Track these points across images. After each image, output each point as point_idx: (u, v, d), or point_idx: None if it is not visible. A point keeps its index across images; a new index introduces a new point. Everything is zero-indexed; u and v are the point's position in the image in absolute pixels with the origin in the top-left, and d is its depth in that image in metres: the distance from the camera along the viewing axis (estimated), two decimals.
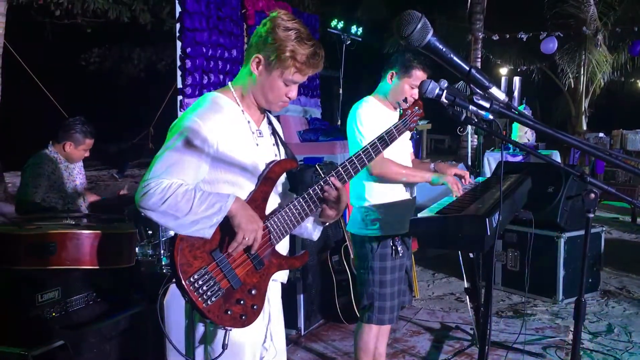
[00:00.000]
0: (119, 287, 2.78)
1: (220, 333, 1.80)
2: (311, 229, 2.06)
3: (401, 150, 3.09)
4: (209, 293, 1.74)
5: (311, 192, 1.90)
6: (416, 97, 3.00)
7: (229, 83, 1.93)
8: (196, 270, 1.72)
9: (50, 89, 10.24)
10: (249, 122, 1.89)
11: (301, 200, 1.89)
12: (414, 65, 2.93)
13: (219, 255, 1.77)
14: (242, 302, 1.81)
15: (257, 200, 1.84)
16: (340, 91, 9.66)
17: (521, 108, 7.17)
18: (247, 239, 1.77)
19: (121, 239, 2.70)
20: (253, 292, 1.84)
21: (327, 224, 2.06)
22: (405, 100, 2.24)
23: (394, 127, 2.09)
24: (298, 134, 8.52)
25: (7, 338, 2.29)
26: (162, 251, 3.62)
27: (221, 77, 8.02)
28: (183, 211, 1.68)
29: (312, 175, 4.47)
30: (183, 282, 1.70)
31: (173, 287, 1.78)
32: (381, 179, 2.93)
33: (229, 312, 1.77)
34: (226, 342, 1.77)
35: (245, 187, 1.84)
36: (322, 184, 1.91)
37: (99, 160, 12.94)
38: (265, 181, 1.86)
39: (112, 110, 14.74)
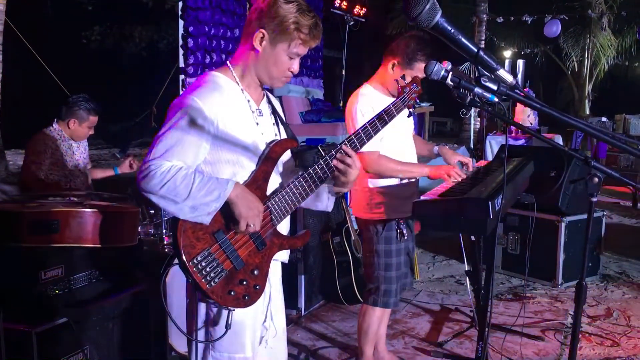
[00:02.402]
0: (121, 265, 2.80)
1: (224, 313, 1.82)
2: (325, 201, 2.07)
3: (402, 130, 3.07)
4: (212, 274, 1.75)
5: (311, 172, 1.89)
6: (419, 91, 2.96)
7: (228, 62, 1.91)
8: (199, 251, 1.73)
9: (52, 66, 10.19)
10: (248, 101, 1.88)
11: (302, 180, 1.89)
12: (417, 58, 2.86)
13: (221, 236, 1.78)
14: (244, 282, 1.83)
15: (258, 181, 1.85)
16: (343, 72, 9.61)
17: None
18: (250, 225, 1.78)
19: (124, 218, 2.71)
20: (255, 272, 1.86)
21: (340, 194, 2.08)
22: (404, 77, 2.20)
23: (392, 105, 2.07)
24: (300, 115, 8.49)
25: (11, 315, 2.30)
26: (164, 230, 3.63)
27: (223, 56, 7.97)
28: (182, 196, 1.68)
29: (314, 156, 4.45)
30: (187, 263, 1.71)
31: (175, 267, 1.79)
32: (378, 176, 2.91)
33: (232, 293, 1.79)
34: (229, 322, 1.79)
35: (247, 166, 1.84)
36: (322, 163, 1.89)
37: (100, 139, 12.94)
38: (267, 161, 1.86)
39: (114, 89, 14.66)
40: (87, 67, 15.11)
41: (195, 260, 1.72)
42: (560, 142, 7.97)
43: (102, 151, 12.61)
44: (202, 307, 1.88)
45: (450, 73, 1.79)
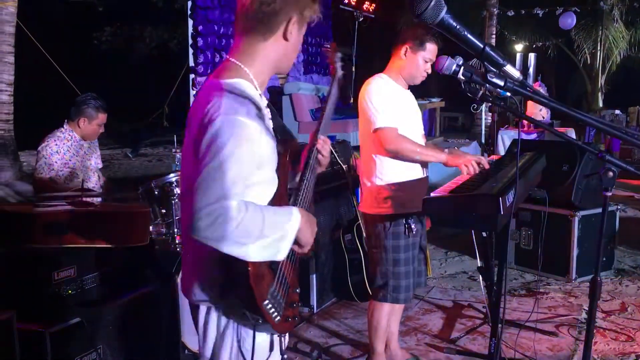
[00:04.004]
0: (133, 265, 2.81)
1: (265, 337, 1.74)
2: None
3: (414, 130, 3.07)
4: (277, 308, 1.66)
5: (312, 166, 1.83)
6: (429, 71, 2.98)
7: (238, 63, 1.68)
8: (267, 289, 1.62)
9: (63, 67, 10.27)
10: (266, 106, 1.73)
11: (309, 177, 1.82)
12: (427, 39, 2.92)
13: (276, 265, 1.68)
14: (294, 305, 1.77)
15: (281, 190, 1.72)
16: (353, 69, 9.58)
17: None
18: (305, 250, 1.73)
19: (135, 218, 2.72)
20: (297, 290, 1.80)
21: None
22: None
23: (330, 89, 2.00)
24: (310, 112, 8.49)
25: (24, 315, 2.32)
26: (175, 229, 3.64)
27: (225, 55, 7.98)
28: (253, 236, 1.52)
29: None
30: (262, 308, 1.60)
31: None
32: (394, 155, 2.92)
33: (289, 320, 1.72)
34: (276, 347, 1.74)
35: (272, 181, 1.68)
36: (315, 154, 1.83)
37: (112, 138, 13.02)
38: (284, 169, 1.74)
39: (125, 89, 14.77)
40: (98, 68, 15.23)
41: (266, 301, 1.61)
42: (573, 135, 7.89)
43: (114, 151, 12.69)
44: (229, 333, 1.71)
45: (462, 68, 1.79)
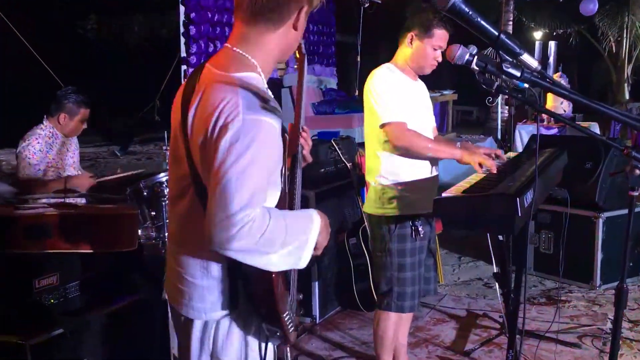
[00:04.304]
0: (120, 272, 2.82)
1: (271, 348, 1.74)
2: None
3: (424, 124, 3.06)
4: (292, 318, 1.67)
5: (299, 161, 1.83)
6: (439, 59, 2.97)
7: (245, 54, 1.64)
8: (286, 300, 1.63)
9: (46, 58, 10.28)
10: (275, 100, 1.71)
11: (298, 172, 1.81)
12: (434, 24, 2.89)
13: (289, 273, 1.70)
14: (300, 311, 1.81)
15: (283, 193, 1.72)
16: (358, 59, 9.57)
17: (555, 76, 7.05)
18: (319, 253, 1.72)
19: (122, 221, 2.72)
20: (301, 296, 1.82)
21: None
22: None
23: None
24: (312, 106, 8.49)
25: (3, 326, 2.33)
26: (166, 233, 3.64)
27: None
28: (276, 245, 1.51)
29: (327, 151, 4.46)
30: (282, 321, 1.60)
31: None
32: (404, 152, 2.91)
33: (297, 329, 1.75)
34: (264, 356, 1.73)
35: (279, 183, 1.67)
36: (300, 148, 1.82)
37: (98, 135, 13.03)
38: (284, 168, 1.73)
39: (112, 82, 14.79)
40: (83, 59, 15.24)
41: (286, 313, 1.62)
42: (597, 130, 7.86)
43: (101, 149, 12.70)
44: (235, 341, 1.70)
45: (476, 57, 1.78)
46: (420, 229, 2.96)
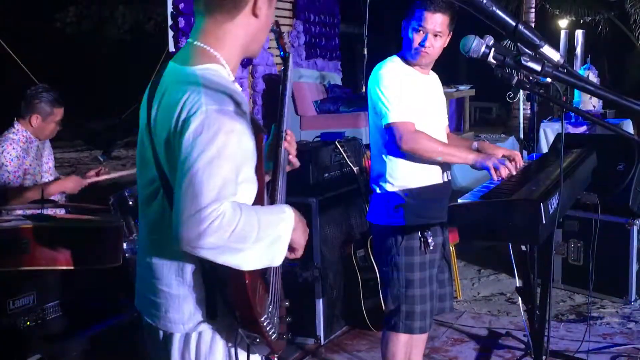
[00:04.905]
0: (103, 290, 2.82)
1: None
2: None
3: (434, 124, 3.06)
4: (274, 324, 1.71)
5: (283, 162, 1.88)
6: (426, 45, 2.89)
7: (206, 47, 1.71)
8: (264, 304, 1.67)
9: (20, 55, 10.32)
10: (242, 93, 1.77)
11: (280, 178, 1.87)
12: (417, 4, 2.86)
13: (268, 276, 1.73)
14: (288, 319, 1.84)
15: (261, 191, 1.75)
16: (365, 51, 9.59)
17: (582, 71, 7.04)
18: (297, 254, 1.78)
19: (106, 234, 2.73)
20: (287, 303, 1.86)
21: None
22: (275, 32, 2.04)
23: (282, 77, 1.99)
24: (314, 105, 8.50)
25: None
26: None
27: None
28: (250, 239, 1.55)
29: (332, 154, 4.46)
30: (261, 323, 1.63)
31: None
32: (412, 156, 2.91)
33: (283, 337, 1.78)
34: None
35: (255, 180, 1.71)
36: (284, 148, 1.89)
37: (79, 139, 13.08)
38: (260, 165, 1.75)
39: (94, 80, 14.84)
40: (62, 55, 15.30)
41: (264, 317, 1.65)
42: (631, 128, 7.84)
43: (82, 154, 12.75)
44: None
45: (493, 49, 1.78)
46: (429, 240, 2.95)
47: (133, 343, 2.86)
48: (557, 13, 14.22)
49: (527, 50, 1.30)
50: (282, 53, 1.96)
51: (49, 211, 3.34)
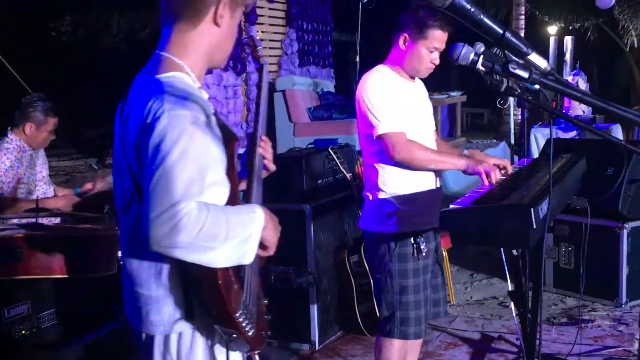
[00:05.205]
0: (98, 298, 2.81)
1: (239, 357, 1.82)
2: None
3: (424, 131, 3.07)
4: (250, 320, 1.74)
5: (257, 168, 1.91)
6: (437, 62, 2.97)
7: (170, 56, 1.75)
8: (238, 299, 1.70)
9: (15, 64, 10.27)
10: (207, 100, 1.83)
11: (255, 184, 1.90)
12: (429, 24, 2.88)
13: (243, 273, 1.76)
14: (264, 317, 1.86)
15: (235, 194, 1.80)
16: (357, 59, 9.58)
17: (570, 79, 7.05)
18: (270, 252, 1.82)
19: (100, 242, 2.72)
20: (265, 301, 1.89)
21: None
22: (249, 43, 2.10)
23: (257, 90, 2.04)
24: (308, 112, 8.51)
25: None
26: None
27: None
28: (219, 238, 1.59)
29: (325, 161, 4.46)
30: (236, 319, 1.66)
31: None
32: (405, 164, 2.92)
33: (262, 334, 1.81)
34: None
35: (226, 183, 1.75)
36: (258, 154, 1.93)
37: (75, 147, 13.04)
38: (233, 170, 1.80)
39: (89, 88, 14.80)
40: (57, 64, 15.26)
41: (239, 312, 1.68)
42: (620, 133, 7.88)
43: (77, 162, 12.70)
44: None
45: (482, 57, 1.78)
46: (422, 247, 2.95)
47: (128, 351, 2.85)
48: (547, 20, 14.28)
49: (514, 57, 1.30)
50: (256, 64, 2.02)
51: (44, 220, 3.32)
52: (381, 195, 2.97)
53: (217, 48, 1.82)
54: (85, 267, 2.58)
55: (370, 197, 3.02)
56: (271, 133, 8.55)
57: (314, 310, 4.16)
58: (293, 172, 4.24)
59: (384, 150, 2.91)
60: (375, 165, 2.98)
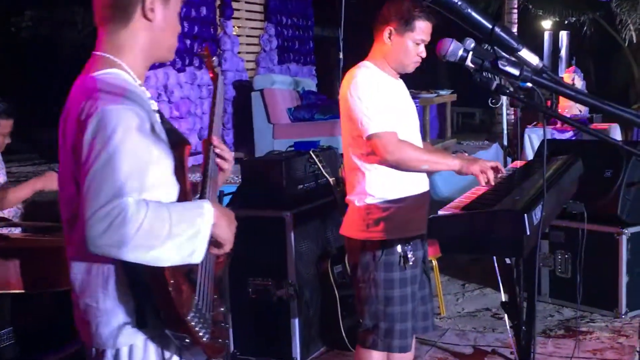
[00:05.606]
0: (60, 316, 2.77)
1: None
2: None
3: (412, 131, 3.08)
4: (204, 325, 1.74)
5: (211, 172, 1.93)
6: (423, 55, 2.99)
7: (107, 55, 1.79)
8: (190, 302, 1.70)
9: None
10: (149, 98, 1.85)
11: (209, 186, 1.91)
12: (415, 16, 2.91)
13: (194, 276, 1.76)
14: (222, 324, 1.86)
15: (186, 198, 1.82)
16: (341, 56, 9.59)
17: (566, 76, 7.10)
18: (225, 250, 1.81)
19: (61, 254, 2.68)
20: (222, 309, 1.90)
21: None
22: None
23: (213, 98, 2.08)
24: (288, 112, 8.50)
25: None
26: None
27: (188, 42, 8.01)
28: (161, 236, 1.60)
29: (306, 164, 4.46)
30: (187, 323, 1.67)
31: None
32: (396, 166, 2.92)
33: (219, 341, 1.81)
34: None
35: (174, 184, 1.78)
36: (214, 157, 1.94)
37: (36, 152, 12.93)
38: (183, 172, 1.82)
39: (52, 88, 14.68)
40: (17, 61, 15.14)
41: (191, 315, 1.68)
42: (618, 133, 7.93)
43: (39, 167, 12.58)
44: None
45: (471, 53, 1.79)
46: (409, 255, 2.96)
47: None
48: (541, 14, 14.39)
49: (505, 54, 1.31)
50: (210, 74, 2.06)
51: (3, 230, 3.29)
52: (368, 200, 2.97)
53: (156, 43, 1.85)
54: (46, 282, 2.55)
55: (357, 202, 3.02)
56: (249, 135, 8.53)
57: (296, 324, 4.14)
58: (272, 177, 4.23)
59: (373, 152, 2.91)
60: (361, 168, 2.98)
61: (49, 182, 3.73)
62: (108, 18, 1.81)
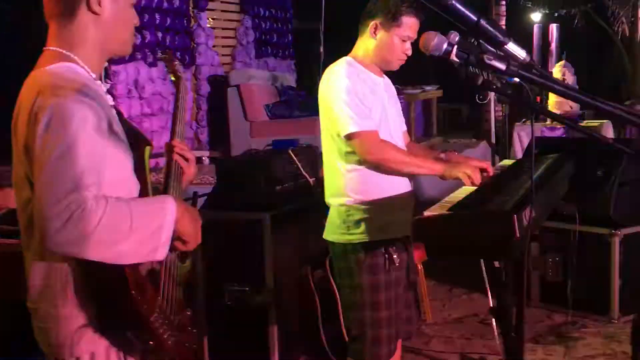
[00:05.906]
0: (21, 328, 2.74)
1: None
2: None
3: (395, 131, 3.08)
4: (169, 327, 1.76)
5: (174, 172, 1.99)
6: (409, 52, 3.01)
7: (59, 50, 1.82)
8: (153, 302, 1.72)
9: None
10: (105, 93, 1.87)
11: (176, 184, 1.97)
12: (402, 11, 2.92)
13: (156, 277, 1.79)
14: (189, 329, 1.89)
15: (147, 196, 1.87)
16: (322, 49, 9.59)
17: (557, 71, 7.14)
18: (190, 247, 1.84)
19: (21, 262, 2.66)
20: (188, 312, 1.93)
21: None
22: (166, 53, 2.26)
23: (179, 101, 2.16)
24: (265, 109, 8.48)
25: None
26: None
27: (160, 34, 7.97)
28: (123, 232, 1.61)
29: (284, 164, 4.45)
30: (152, 324, 1.68)
31: None
32: (376, 167, 2.92)
33: (186, 345, 1.83)
34: None
35: (135, 183, 1.83)
36: (176, 158, 2.02)
37: (5, 155, 12.80)
38: (143, 171, 1.85)
39: (18, 81, 14.53)
40: None
41: (155, 315, 1.70)
42: (611, 130, 7.99)
43: (3, 168, 12.48)
44: None
45: (455, 47, 1.80)
46: (395, 257, 2.96)
47: None
48: (530, 6, 14.47)
49: (491, 47, 1.31)
50: (171, 78, 2.14)
51: None
52: (348, 202, 2.97)
53: (108, 37, 1.87)
54: (8, 290, 2.53)
55: (336, 204, 3.02)
56: (224, 133, 8.50)
57: (274, 333, 4.14)
58: (249, 178, 4.22)
59: (351, 152, 2.91)
60: (341, 168, 2.98)
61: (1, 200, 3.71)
62: (55, 12, 1.83)
